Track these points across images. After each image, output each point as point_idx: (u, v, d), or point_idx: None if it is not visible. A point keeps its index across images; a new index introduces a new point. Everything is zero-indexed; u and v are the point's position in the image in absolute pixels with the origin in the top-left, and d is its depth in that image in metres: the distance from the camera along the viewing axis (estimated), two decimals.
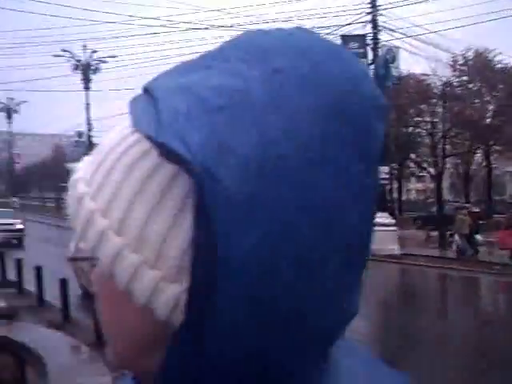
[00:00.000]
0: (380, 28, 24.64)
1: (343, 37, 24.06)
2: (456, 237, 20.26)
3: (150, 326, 0.47)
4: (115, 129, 0.52)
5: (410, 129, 32.17)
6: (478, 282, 16.03)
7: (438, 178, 29.91)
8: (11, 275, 14.09)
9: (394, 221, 21.65)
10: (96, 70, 39.68)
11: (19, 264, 13.12)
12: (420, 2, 26.70)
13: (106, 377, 4.92)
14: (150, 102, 0.48)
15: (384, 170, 21.51)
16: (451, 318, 11.30)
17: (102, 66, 39.84)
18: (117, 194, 0.47)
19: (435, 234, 23.88)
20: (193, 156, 0.43)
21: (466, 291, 15.09)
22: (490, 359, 7.96)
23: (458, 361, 8.16)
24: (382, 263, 16.50)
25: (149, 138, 0.45)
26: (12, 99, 63.59)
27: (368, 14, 24.60)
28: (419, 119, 30.97)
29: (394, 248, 19.94)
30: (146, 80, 0.52)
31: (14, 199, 62.47)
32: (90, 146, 31.33)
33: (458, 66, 29.64)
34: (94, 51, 39.64)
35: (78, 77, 39.69)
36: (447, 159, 31.61)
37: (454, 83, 29.34)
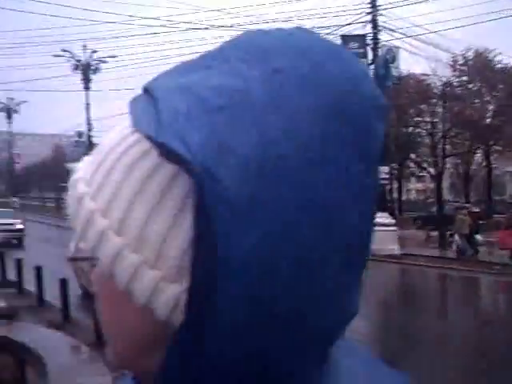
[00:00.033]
0: (380, 28, 24.65)
1: (343, 37, 24.07)
2: (456, 237, 20.27)
3: (150, 326, 0.47)
4: (115, 129, 0.52)
5: (410, 129, 32.19)
6: (478, 281, 16.04)
7: (437, 178, 29.93)
8: (11, 275, 14.11)
9: (393, 221, 21.66)
10: (96, 70, 39.70)
11: (19, 264, 13.13)
12: (420, 2, 26.73)
13: (106, 377, 4.92)
14: (149, 101, 0.48)
15: (384, 169, 21.52)
16: (451, 318, 11.30)
17: (102, 65, 39.91)
18: (117, 194, 0.47)
19: (435, 233, 23.89)
20: (193, 156, 0.43)
21: (465, 291, 15.10)
22: (490, 359, 7.97)
23: (458, 361, 8.17)
24: (381, 263, 16.50)
25: (149, 138, 0.45)
26: (12, 99, 63.65)
27: (368, 13, 24.62)
28: (419, 119, 30.99)
29: (394, 248, 19.95)
30: (146, 80, 0.51)
31: (14, 199, 62.44)
32: (89, 146, 31.32)
33: (458, 66, 29.66)
34: (94, 51, 39.70)
35: (78, 77, 39.75)
36: (447, 159, 31.62)
37: (454, 83, 29.36)
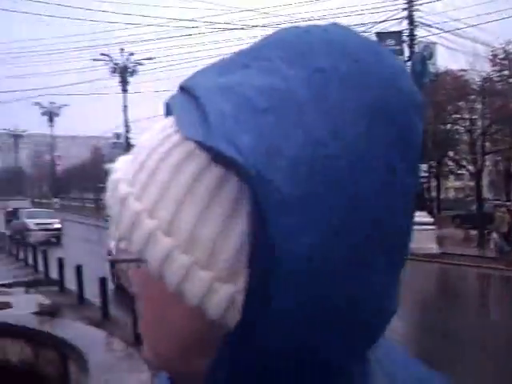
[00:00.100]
0: (416, 24, 24.24)
1: (379, 34, 23.70)
2: (494, 235, 19.84)
3: (199, 327, 0.47)
4: (152, 128, 0.52)
5: (448, 126, 31.58)
6: None
7: (477, 176, 29.26)
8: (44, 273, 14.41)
9: (432, 219, 21.31)
10: (133, 73, 40.21)
11: (61, 263, 13.39)
12: None
13: (144, 373, 4.98)
14: (190, 101, 0.48)
15: (422, 168, 21.14)
16: (491, 318, 11.05)
17: (139, 68, 40.38)
18: (163, 195, 0.47)
19: (474, 232, 23.41)
20: (244, 159, 0.43)
21: (505, 290, 14.75)
22: None
23: (497, 361, 7.99)
24: (420, 262, 16.24)
25: (197, 142, 0.45)
26: (53, 103, 65.03)
27: (404, 9, 24.24)
28: (457, 116, 30.38)
29: (433, 247, 19.64)
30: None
31: (55, 200, 63.82)
32: (127, 148, 31.74)
33: (499, 60, 28.94)
34: (131, 54, 40.21)
35: (116, 80, 40.32)
36: (487, 156, 30.91)
37: (494, 78, 28.65)
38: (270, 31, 0.53)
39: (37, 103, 64.33)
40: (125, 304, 8.88)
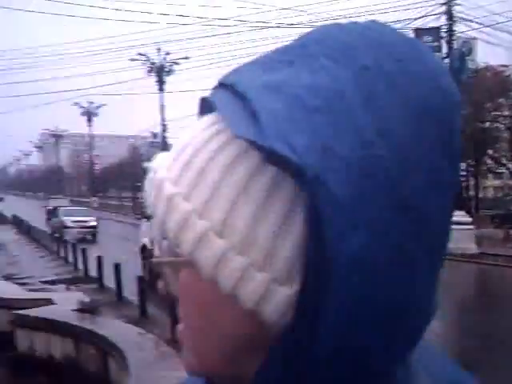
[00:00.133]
0: (455, 19, 23.76)
1: (417, 30, 23.29)
2: None
3: (252, 328, 0.46)
4: (194, 126, 0.51)
5: (487, 124, 30.91)
6: None
7: None
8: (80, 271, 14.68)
9: (470, 219, 20.86)
10: (170, 72, 40.56)
11: (99, 261, 13.59)
12: None
13: (182, 372, 5.03)
14: (235, 98, 0.47)
15: (460, 166, 20.74)
16: None
17: (176, 67, 40.69)
18: (215, 195, 0.46)
19: None
20: (300, 159, 0.42)
21: None
22: None
23: None
24: (458, 263, 15.95)
25: (251, 141, 0.44)
26: (92, 103, 66.10)
27: (443, 4, 23.77)
28: (497, 113, 29.70)
29: (471, 247, 19.24)
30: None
31: (94, 199, 64.93)
32: (164, 146, 32.06)
33: None
34: (168, 53, 40.55)
35: (152, 79, 40.75)
36: None
37: None
38: (306, 29, 0.53)
39: (76, 103, 65.62)
40: (161, 302, 8.98)
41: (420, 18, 24.87)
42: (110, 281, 12.66)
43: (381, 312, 0.45)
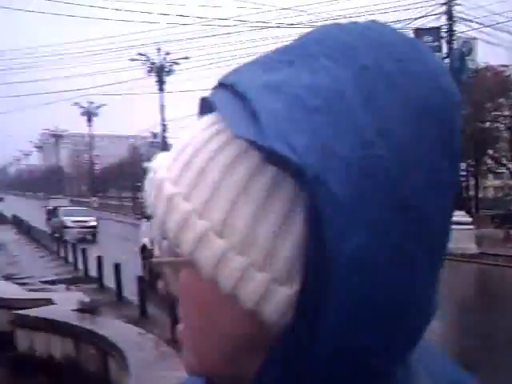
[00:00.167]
0: (455, 19, 23.75)
1: (417, 30, 23.29)
2: None
3: (252, 327, 0.47)
4: (193, 126, 0.51)
5: (488, 124, 30.92)
6: None
7: None
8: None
9: (470, 219, 20.86)
10: (169, 72, 40.57)
11: (99, 261, 13.59)
12: None
13: (182, 372, 5.03)
14: (235, 98, 0.47)
15: (460, 166, 20.76)
16: None
17: (176, 67, 40.71)
18: (215, 195, 0.46)
19: None
20: (300, 159, 0.43)
21: None
22: None
23: None
24: (458, 262, 15.96)
25: (251, 141, 0.44)
26: (92, 103, 66.11)
27: (443, 4, 23.76)
28: (497, 113, 29.72)
29: (471, 247, 19.25)
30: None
31: (94, 199, 64.99)
32: (164, 146, 32.09)
33: None
34: (168, 53, 40.57)
35: (152, 79, 40.76)
36: None
37: None
38: (306, 29, 0.53)
39: (76, 103, 65.64)
40: (161, 302, 8.99)
41: (420, 17, 24.91)
42: (110, 281, 12.68)
43: (381, 312, 0.45)
